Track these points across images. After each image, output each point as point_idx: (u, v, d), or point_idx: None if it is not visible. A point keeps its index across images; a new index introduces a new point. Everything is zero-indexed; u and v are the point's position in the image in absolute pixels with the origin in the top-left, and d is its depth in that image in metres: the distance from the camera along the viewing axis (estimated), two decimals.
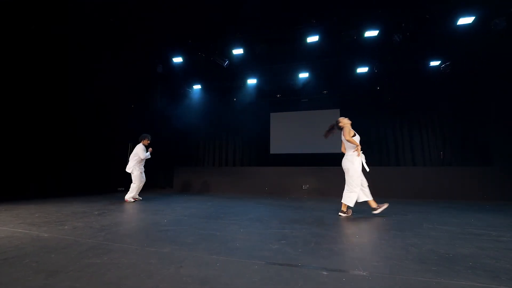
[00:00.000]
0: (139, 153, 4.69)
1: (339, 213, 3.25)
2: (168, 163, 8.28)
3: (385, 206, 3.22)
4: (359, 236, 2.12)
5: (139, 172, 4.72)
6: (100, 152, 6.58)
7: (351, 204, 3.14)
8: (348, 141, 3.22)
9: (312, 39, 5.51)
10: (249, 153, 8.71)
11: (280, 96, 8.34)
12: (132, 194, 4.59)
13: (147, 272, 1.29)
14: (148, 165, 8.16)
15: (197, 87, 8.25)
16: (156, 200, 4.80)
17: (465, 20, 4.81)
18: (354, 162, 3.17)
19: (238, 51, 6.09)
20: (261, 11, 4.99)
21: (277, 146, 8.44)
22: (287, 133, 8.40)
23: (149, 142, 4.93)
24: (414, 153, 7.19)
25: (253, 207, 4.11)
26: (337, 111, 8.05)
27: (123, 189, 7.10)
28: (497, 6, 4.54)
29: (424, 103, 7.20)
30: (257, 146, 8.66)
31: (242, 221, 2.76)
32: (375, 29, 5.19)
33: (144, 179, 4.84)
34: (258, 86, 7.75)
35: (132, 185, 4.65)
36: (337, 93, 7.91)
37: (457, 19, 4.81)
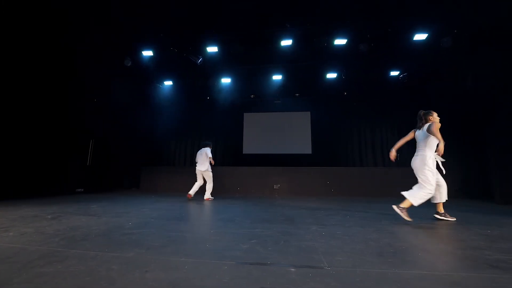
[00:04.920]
0: (210, 156, 5.34)
1: (395, 207, 2.84)
2: (134, 162, 7.83)
3: (453, 219, 2.91)
4: (325, 233, 2.23)
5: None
6: (57, 150, 5.94)
7: (415, 203, 2.79)
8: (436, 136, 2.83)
9: (286, 42, 5.66)
10: (222, 152, 8.63)
11: (254, 96, 8.41)
12: (210, 191, 5.34)
13: (108, 279, 1.21)
14: (112, 164, 7.63)
15: (168, 83, 7.92)
16: (120, 202, 4.49)
17: (420, 36, 5.38)
18: (428, 161, 2.90)
19: (212, 49, 5.99)
20: (236, 10, 4.98)
21: (250, 146, 8.49)
22: (260, 133, 8.50)
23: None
24: (376, 154, 7.81)
25: (225, 207, 4.08)
26: (308, 113, 8.40)
27: (82, 190, 6.54)
28: (445, 26, 5.16)
29: (385, 108, 7.87)
30: (230, 145, 8.62)
31: (214, 222, 2.73)
32: (343, 37, 5.53)
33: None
34: (232, 86, 7.71)
35: (208, 185, 5.35)
36: (308, 96, 8.24)
37: (413, 35, 5.35)
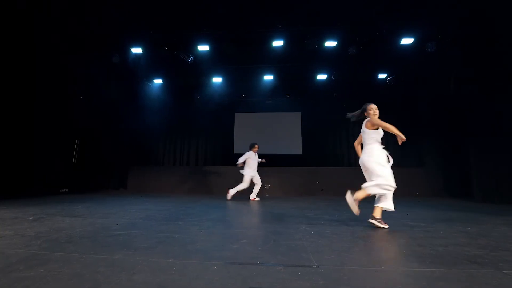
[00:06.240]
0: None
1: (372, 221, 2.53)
2: (122, 162, 7.63)
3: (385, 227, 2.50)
4: (314, 232, 2.26)
5: (248, 176, 5.45)
6: (40, 148, 5.70)
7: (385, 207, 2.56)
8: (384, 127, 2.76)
9: (278, 43, 5.69)
10: (212, 152, 8.56)
11: (245, 96, 8.39)
12: (235, 190, 5.32)
13: (93, 282, 1.17)
14: (98, 164, 7.42)
15: (158, 81, 7.76)
16: (106, 202, 4.37)
17: (407, 41, 5.54)
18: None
19: (203, 48, 5.93)
20: (228, 9, 4.95)
21: (240, 145, 8.45)
22: (250, 133, 8.49)
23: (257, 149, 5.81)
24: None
25: (215, 207, 4.05)
26: (299, 114, 8.46)
27: (66, 190, 6.32)
28: (430, 31, 5.35)
29: None
30: (221, 145, 8.56)
31: (203, 222, 2.70)
32: (334, 40, 5.61)
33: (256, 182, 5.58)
34: (223, 85, 7.65)
35: (240, 185, 5.39)
36: (299, 97, 8.30)
37: (400, 39, 5.51)
